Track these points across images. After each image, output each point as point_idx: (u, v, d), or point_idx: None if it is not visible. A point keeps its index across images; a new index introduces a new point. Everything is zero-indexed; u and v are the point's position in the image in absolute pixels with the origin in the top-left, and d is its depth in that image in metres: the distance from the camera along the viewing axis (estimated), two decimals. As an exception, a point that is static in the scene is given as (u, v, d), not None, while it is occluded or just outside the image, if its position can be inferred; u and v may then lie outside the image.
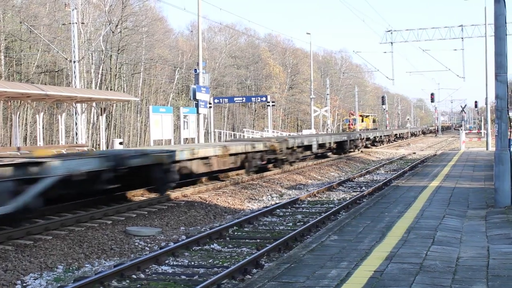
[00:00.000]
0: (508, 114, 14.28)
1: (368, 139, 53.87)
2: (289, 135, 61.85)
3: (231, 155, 23.81)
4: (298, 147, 31.84)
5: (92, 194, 17.34)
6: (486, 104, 47.74)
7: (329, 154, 36.55)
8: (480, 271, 8.12)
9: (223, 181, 24.25)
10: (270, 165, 29.33)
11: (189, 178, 22.60)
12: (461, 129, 58.10)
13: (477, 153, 39.84)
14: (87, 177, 15.54)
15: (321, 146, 36.59)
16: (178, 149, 20.86)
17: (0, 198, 12.46)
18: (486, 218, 12.65)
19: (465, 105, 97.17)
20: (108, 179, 16.48)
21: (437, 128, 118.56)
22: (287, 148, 29.68)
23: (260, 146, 26.66)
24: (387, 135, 64.98)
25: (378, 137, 59.59)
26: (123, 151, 21.24)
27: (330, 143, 38.77)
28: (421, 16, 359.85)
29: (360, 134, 49.31)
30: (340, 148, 41.83)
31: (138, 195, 20.40)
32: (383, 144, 60.84)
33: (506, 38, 14.21)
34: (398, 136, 72.26)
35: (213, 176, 24.62)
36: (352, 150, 43.83)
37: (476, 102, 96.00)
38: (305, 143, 33.22)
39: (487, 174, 23.01)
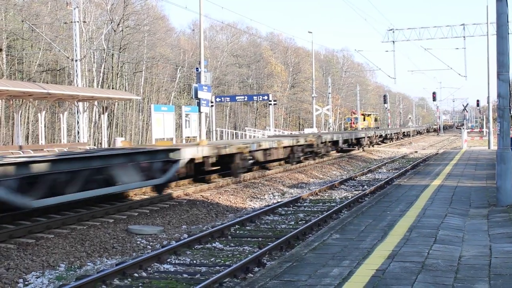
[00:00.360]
0: (510, 112, 14.27)
1: (380, 136, 58.42)
2: (291, 133, 61.91)
3: (284, 147, 29.12)
4: (329, 142, 37.74)
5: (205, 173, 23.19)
6: (488, 103, 47.68)
7: (333, 152, 38.43)
8: (482, 270, 8.11)
9: (225, 179, 24.25)
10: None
11: (256, 165, 27.73)
12: (463, 128, 58.06)
13: (479, 152, 39.81)
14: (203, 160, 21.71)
15: (345, 141, 43.57)
16: (249, 142, 27.19)
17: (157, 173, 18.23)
18: (488, 217, 12.64)
19: (467, 104, 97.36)
20: (211, 162, 22.42)
21: (439, 127, 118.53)
22: (321, 143, 35.20)
23: (301, 141, 31.86)
24: (397, 133, 69.90)
25: (389, 134, 64.12)
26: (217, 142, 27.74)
27: (351, 139, 45.61)
28: (423, 15, 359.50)
29: (374, 132, 55.26)
30: (358, 143, 47.36)
31: (140, 193, 20.41)
32: (392, 141, 64.35)
33: (508, 37, 14.19)
34: (405, 134, 74.69)
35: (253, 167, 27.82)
36: (367, 145, 49.62)
37: (478, 101, 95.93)
38: (334, 138, 39.46)
39: (489, 173, 22.99)
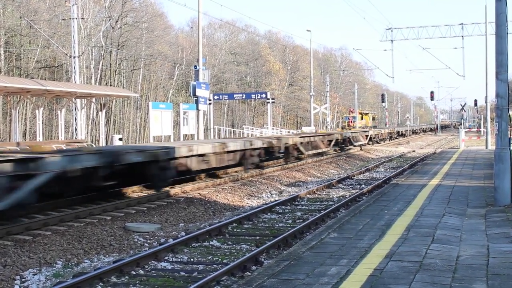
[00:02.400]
0: (509, 112, 14.27)
1: (397, 132, 71.38)
2: (288, 132, 61.91)
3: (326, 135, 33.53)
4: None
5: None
6: (486, 102, 47.74)
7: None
8: (480, 269, 8.11)
9: (222, 177, 24.23)
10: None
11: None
12: (461, 128, 58.09)
13: (477, 151, 39.84)
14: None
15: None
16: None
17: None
18: (486, 217, 12.64)
19: (465, 104, 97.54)
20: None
21: (437, 126, 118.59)
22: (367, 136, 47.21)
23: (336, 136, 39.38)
24: (406, 130, 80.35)
25: (402, 131, 77.45)
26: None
27: (382, 133, 58.06)
28: (421, 14, 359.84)
29: (393, 128, 68.28)
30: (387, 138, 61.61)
31: (137, 191, 20.39)
32: (403, 137, 73.00)
33: (507, 37, 14.18)
34: (400, 134, 76.17)
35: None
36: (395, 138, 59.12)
37: (475, 100, 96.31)
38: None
39: (486, 172, 23.01)
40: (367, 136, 52.22)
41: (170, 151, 18.92)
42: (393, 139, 68.70)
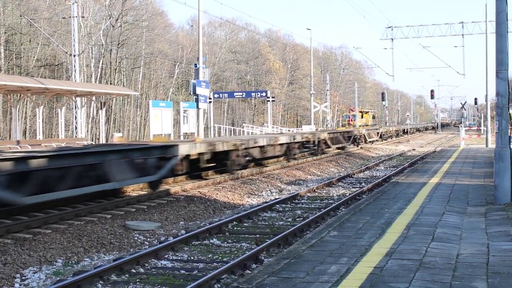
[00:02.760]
0: (509, 111, 14.26)
1: (403, 130, 79.55)
2: (289, 130, 61.92)
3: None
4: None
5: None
6: (486, 101, 47.69)
7: (330, 150, 39.38)
8: (480, 268, 8.11)
9: (222, 176, 24.24)
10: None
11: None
12: (461, 126, 58.09)
13: (477, 150, 39.84)
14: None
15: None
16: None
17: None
18: (486, 215, 12.64)
19: (465, 102, 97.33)
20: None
21: (437, 124, 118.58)
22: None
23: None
24: (410, 128, 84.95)
25: (407, 129, 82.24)
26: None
27: (391, 131, 64.75)
28: (421, 12, 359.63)
29: (400, 126, 77.82)
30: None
31: (137, 189, 20.39)
32: (407, 135, 78.11)
33: (507, 35, 14.17)
34: (398, 133, 77.24)
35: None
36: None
37: (476, 99, 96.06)
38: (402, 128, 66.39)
39: (486, 171, 23.00)
40: (378, 133, 60.07)
41: (245, 142, 25.19)
42: (399, 136, 75.82)
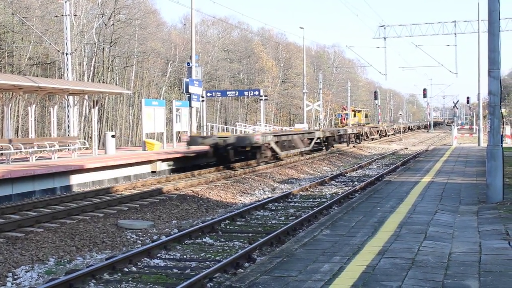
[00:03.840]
0: (501, 110, 14.28)
1: (398, 128, 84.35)
2: (281, 129, 61.93)
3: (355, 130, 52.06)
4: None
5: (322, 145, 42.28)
6: (479, 100, 47.89)
7: (324, 149, 40.94)
8: (472, 266, 8.12)
9: (215, 174, 24.24)
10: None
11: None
12: (453, 125, 58.24)
13: (469, 148, 39.94)
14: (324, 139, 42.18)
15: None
16: (341, 129, 51.48)
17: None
18: (478, 214, 12.67)
19: (457, 101, 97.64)
20: (327, 140, 43.32)
21: (429, 123, 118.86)
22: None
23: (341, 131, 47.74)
24: (404, 127, 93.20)
25: (401, 127, 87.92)
26: (278, 132, 39.64)
27: (388, 129, 73.72)
28: (414, 11, 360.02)
29: (399, 124, 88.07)
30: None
31: (130, 188, 20.36)
32: (400, 134, 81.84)
33: (499, 34, 14.18)
34: (382, 133, 78.51)
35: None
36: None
37: (468, 98, 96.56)
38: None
39: (479, 169, 23.06)
40: (378, 131, 67.48)
41: (338, 131, 45.93)
42: (396, 134, 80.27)
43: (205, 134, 40.50)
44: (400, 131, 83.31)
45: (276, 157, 31.32)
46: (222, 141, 27.66)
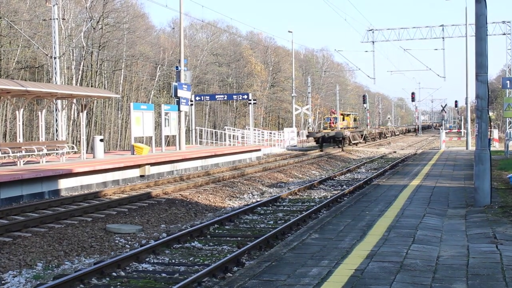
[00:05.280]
0: (488, 114, 14.36)
1: (393, 131, 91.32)
2: (270, 133, 61.97)
3: (360, 132, 64.25)
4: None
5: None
6: (466, 103, 48.08)
7: (312, 152, 41.05)
8: (460, 270, 8.16)
9: (204, 178, 24.22)
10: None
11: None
12: (441, 129, 58.48)
13: (457, 152, 40.11)
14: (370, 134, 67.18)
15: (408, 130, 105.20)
16: (389, 126, 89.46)
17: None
18: (466, 217, 12.72)
19: (446, 105, 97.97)
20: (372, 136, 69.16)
21: (418, 127, 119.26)
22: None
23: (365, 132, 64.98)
24: (398, 129, 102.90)
25: (396, 131, 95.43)
26: (330, 132, 54.93)
27: (385, 132, 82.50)
28: (402, 15, 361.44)
29: (396, 127, 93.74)
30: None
31: (118, 192, 20.30)
32: (394, 136, 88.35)
33: (486, 39, 14.28)
34: (365, 136, 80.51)
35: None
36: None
37: (456, 101, 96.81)
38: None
39: (467, 173, 23.16)
40: (379, 133, 76.84)
41: (388, 129, 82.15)
42: (392, 136, 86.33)
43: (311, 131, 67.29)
44: (389, 135, 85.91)
45: (350, 144, 53.87)
46: (326, 134, 51.43)
